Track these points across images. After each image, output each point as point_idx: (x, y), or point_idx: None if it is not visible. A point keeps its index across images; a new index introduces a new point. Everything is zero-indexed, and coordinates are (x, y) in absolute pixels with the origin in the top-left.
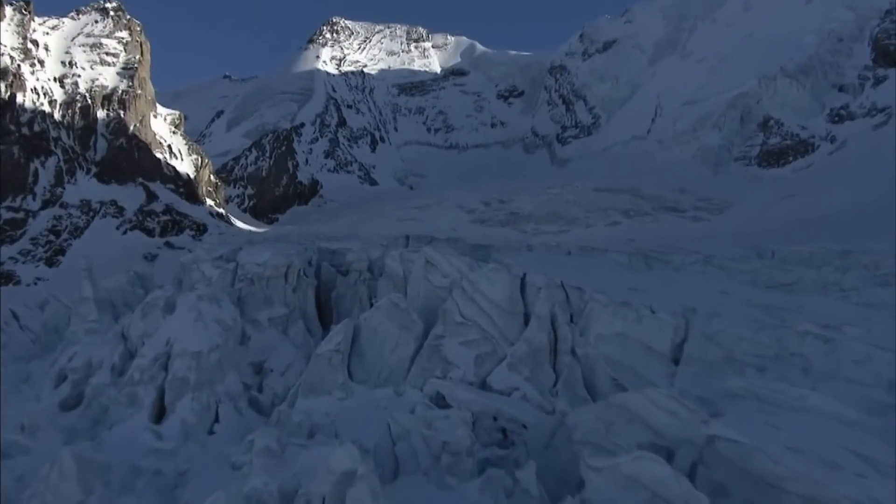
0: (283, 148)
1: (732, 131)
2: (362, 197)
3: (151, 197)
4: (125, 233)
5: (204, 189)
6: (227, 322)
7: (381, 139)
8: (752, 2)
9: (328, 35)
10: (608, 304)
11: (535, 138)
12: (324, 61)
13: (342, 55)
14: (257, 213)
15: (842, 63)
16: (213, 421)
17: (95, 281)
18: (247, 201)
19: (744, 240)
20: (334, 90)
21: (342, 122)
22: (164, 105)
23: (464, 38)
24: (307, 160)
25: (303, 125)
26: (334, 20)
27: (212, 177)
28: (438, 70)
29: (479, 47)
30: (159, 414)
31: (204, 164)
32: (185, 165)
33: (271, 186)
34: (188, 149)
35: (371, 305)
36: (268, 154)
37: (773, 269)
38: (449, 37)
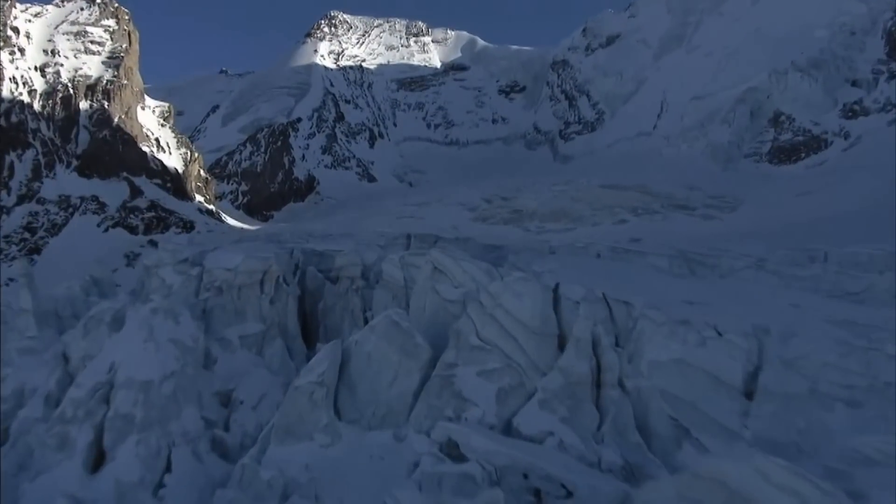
0: (279, 143)
1: (742, 127)
2: (360, 194)
3: (136, 192)
4: (106, 230)
5: (193, 184)
6: (185, 342)
7: (380, 135)
8: None
9: (326, 29)
10: (663, 322)
11: (538, 134)
12: (321, 56)
13: (340, 49)
14: (251, 210)
15: (854, 57)
16: (164, 471)
17: (35, 288)
18: (240, 198)
19: (761, 238)
20: (332, 85)
21: (340, 118)
22: (159, 100)
23: (464, 32)
24: (304, 156)
25: (299, 120)
26: (332, 14)
27: (202, 172)
28: (438, 65)
29: (480, 42)
30: (97, 460)
31: (193, 159)
32: (173, 160)
33: (266, 183)
34: (177, 142)
35: (366, 320)
36: (263, 149)
37: (837, 275)
38: (449, 31)
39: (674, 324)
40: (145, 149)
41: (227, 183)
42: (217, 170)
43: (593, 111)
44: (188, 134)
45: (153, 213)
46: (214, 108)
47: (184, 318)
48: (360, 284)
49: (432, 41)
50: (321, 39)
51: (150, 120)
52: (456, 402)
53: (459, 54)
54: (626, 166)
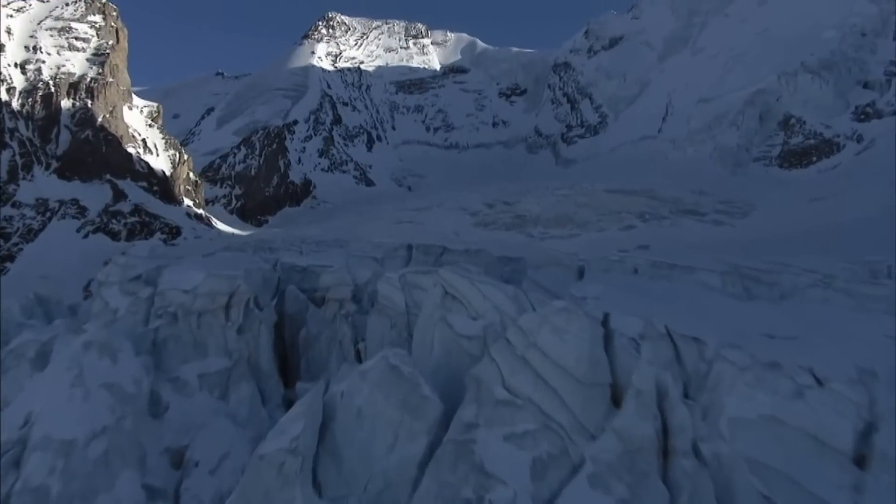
0: (275, 146)
1: (751, 130)
2: (358, 198)
3: (119, 196)
4: (86, 236)
5: (182, 188)
6: (124, 386)
7: (378, 138)
8: None
9: (324, 30)
10: (746, 366)
11: (539, 138)
12: (319, 57)
13: (338, 51)
14: (245, 214)
15: (866, 59)
16: None
17: None
18: (234, 202)
19: (774, 246)
20: (329, 87)
21: (337, 120)
22: (155, 102)
23: (464, 34)
24: (300, 159)
25: (296, 122)
26: (330, 15)
27: (191, 174)
28: (438, 67)
29: (480, 44)
30: None
31: (182, 161)
32: (160, 162)
33: (261, 186)
34: (165, 143)
35: (358, 354)
36: (257, 152)
37: None
38: (449, 33)
39: (760, 368)
40: (131, 150)
41: (221, 186)
42: (210, 173)
43: (596, 114)
44: (182, 137)
45: (137, 218)
46: (209, 111)
47: (124, 354)
48: (352, 309)
49: (432, 43)
50: (319, 41)
51: (137, 120)
52: (477, 477)
53: (459, 56)
54: (631, 170)
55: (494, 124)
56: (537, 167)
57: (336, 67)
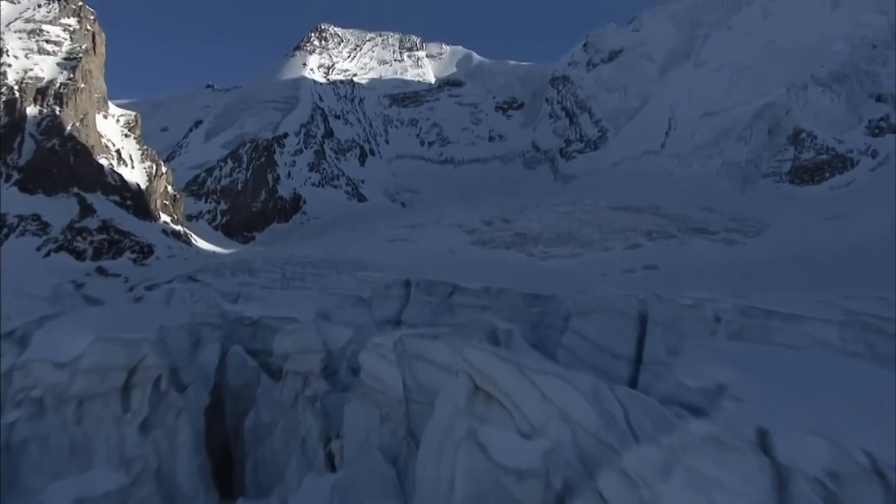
0: (263, 159)
1: (760, 145)
2: (349, 214)
3: (86, 210)
4: (48, 255)
5: (158, 202)
6: None
7: (371, 152)
8: (771, 8)
9: (316, 42)
10: None
11: (537, 153)
12: (311, 69)
13: (331, 63)
14: (231, 230)
15: (878, 71)
16: None
17: None
18: (219, 217)
19: (793, 268)
20: (321, 99)
21: (329, 133)
22: (143, 117)
23: (460, 47)
24: (289, 173)
25: (286, 135)
26: (323, 27)
27: (169, 188)
28: (433, 80)
29: (476, 57)
30: None
31: (160, 174)
32: (135, 174)
33: (247, 201)
34: (142, 155)
35: (329, 456)
36: (245, 165)
37: None
38: (444, 46)
39: None
40: (103, 161)
41: (205, 201)
42: (195, 187)
43: (596, 128)
44: (170, 150)
45: (105, 235)
46: (197, 123)
47: None
48: (321, 389)
49: (426, 56)
50: (311, 53)
51: (111, 129)
52: None
53: (455, 69)
54: (635, 186)
55: (491, 139)
56: (535, 183)
57: (328, 80)
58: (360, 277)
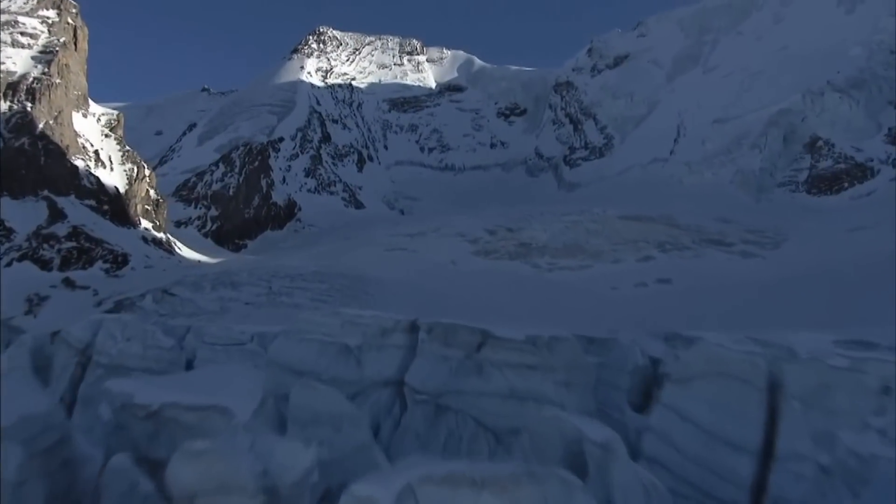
0: (257, 164)
1: (775, 153)
2: (346, 221)
3: (56, 215)
4: (10, 264)
5: (139, 207)
6: None
7: (370, 158)
8: (783, 13)
9: (314, 45)
10: None
11: (540, 160)
12: (308, 72)
13: (329, 66)
14: (221, 238)
15: None
16: None
17: None
18: (209, 224)
19: (824, 283)
20: (319, 103)
21: (326, 138)
22: (137, 120)
23: (461, 52)
24: (284, 178)
25: (281, 140)
26: (321, 30)
27: (151, 192)
28: (433, 85)
29: (478, 62)
30: None
31: (141, 177)
32: (114, 177)
33: (239, 207)
34: (122, 156)
35: None
36: (237, 170)
37: None
38: (445, 50)
39: None
40: (78, 162)
41: (195, 207)
42: (184, 192)
43: (601, 135)
44: (161, 155)
45: (74, 243)
46: (191, 127)
47: None
48: None
49: (427, 60)
50: (308, 56)
51: (90, 129)
52: None
53: (456, 74)
54: (643, 195)
55: (492, 145)
56: (539, 191)
57: (326, 83)
58: (348, 319)
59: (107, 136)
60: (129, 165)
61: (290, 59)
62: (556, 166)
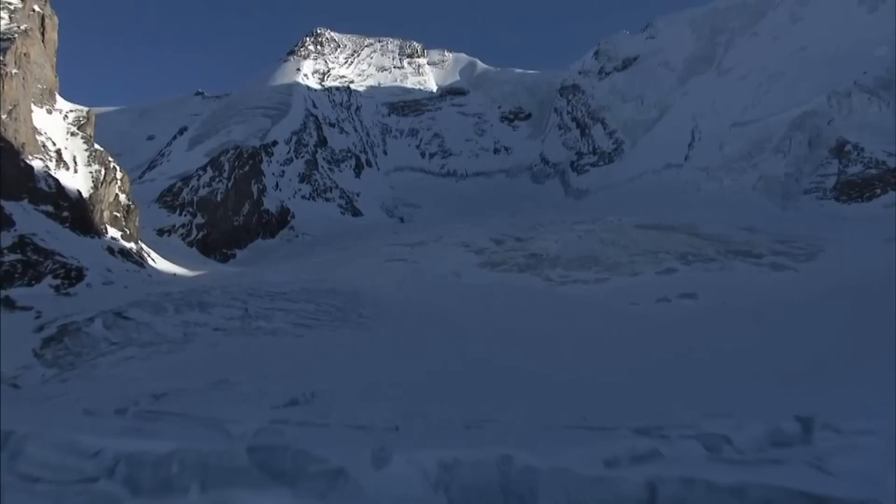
0: (247, 168)
1: (800, 157)
2: (343, 230)
3: (1, 223)
4: None
5: (106, 214)
6: None
7: (368, 163)
8: (801, 13)
9: (311, 47)
10: None
11: (546, 166)
12: (305, 74)
13: (326, 69)
14: (208, 247)
15: None
16: None
17: None
18: (195, 232)
19: (867, 298)
20: (315, 106)
21: (322, 142)
22: (129, 124)
23: (463, 54)
24: (277, 184)
25: (275, 143)
26: (319, 31)
27: (122, 196)
28: (434, 89)
29: (481, 65)
30: None
31: (110, 180)
32: (77, 180)
33: (228, 215)
34: (89, 157)
35: None
36: (226, 175)
37: None
38: (447, 53)
39: None
40: (35, 163)
41: (179, 214)
42: (168, 198)
43: (610, 140)
44: (150, 159)
45: (19, 255)
46: (182, 131)
47: None
48: None
49: (428, 63)
50: (305, 58)
51: (54, 126)
52: None
53: (458, 77)
54: (658, 202)
55: (496, 151)
56: (545, 198)
57: (323, 86)
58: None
59: (73, 134)
60: (95, 167)
61: (285, 61)
62: (563, 172)
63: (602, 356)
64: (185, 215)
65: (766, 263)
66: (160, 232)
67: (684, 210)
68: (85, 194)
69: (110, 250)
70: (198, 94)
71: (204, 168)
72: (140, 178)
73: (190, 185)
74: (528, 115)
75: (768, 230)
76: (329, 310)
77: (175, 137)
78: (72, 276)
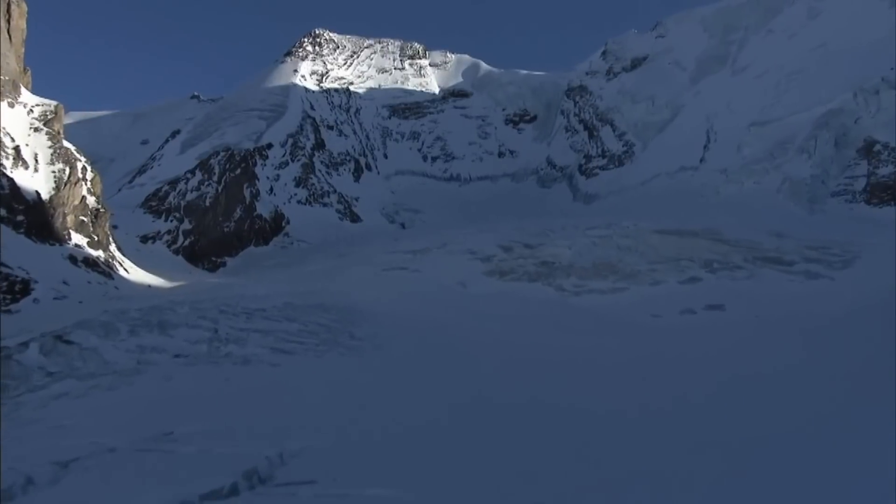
0: (239, 171)
1: (826, 158)
2: (341, 236)
3: None
4: None
5: (70, 219)
6: None
7: (367, 167)
8: (819, 8)
9: (309, 47)
10: None
11: (552, 170)
12: (302, 76)
13: (325, 70)
14: (195, 255)
15: None
16: None
17: None
18: (181, 239)
19: None
20: (312, 108)
21: (320, 145)
22: (123, 129)
23: (466, 56)
24: (272, 188)
25: (270, 146)
26: (317, 32)
27: (90, 199)
28: (437, 90)
29: (484, 66)
30: None
31: (75, 180)
32: (37, 180)
33: (218, 220)
34: (53, 154)
35: None
36: (216, 178)
37: None
38: (449, 54)
39: None
40: None
41: (165, 219)
42: (154, 202)
43: (620, 142)
44: (140, 164)
45: None
46: (174, 134)
47: None
48: None
49: (430, 64)
50: (303, 59)
51: (16, 121)
52: None
53: (460, 79)
54: (673, 206)
55: (500, 154)
56: (552, 203)
57: (321, 87)
58: None
59: (37, 130)
60: (59, 165)
61: (282, 62)
62: (571, 176)
63: (638, 381)
64: (172, 221)
65: (798, 271)
66: (144, 239)
67: (703, 214)
68: (45, 196)
69: (72, 259)
70: (193, 97)
71: (192, 171)
72: (130, 182)
73: (177, 189)
74: (534, 118)
75: (797, 235)
76: (315, 330)
77: (167, 141)
78: (15, 289)
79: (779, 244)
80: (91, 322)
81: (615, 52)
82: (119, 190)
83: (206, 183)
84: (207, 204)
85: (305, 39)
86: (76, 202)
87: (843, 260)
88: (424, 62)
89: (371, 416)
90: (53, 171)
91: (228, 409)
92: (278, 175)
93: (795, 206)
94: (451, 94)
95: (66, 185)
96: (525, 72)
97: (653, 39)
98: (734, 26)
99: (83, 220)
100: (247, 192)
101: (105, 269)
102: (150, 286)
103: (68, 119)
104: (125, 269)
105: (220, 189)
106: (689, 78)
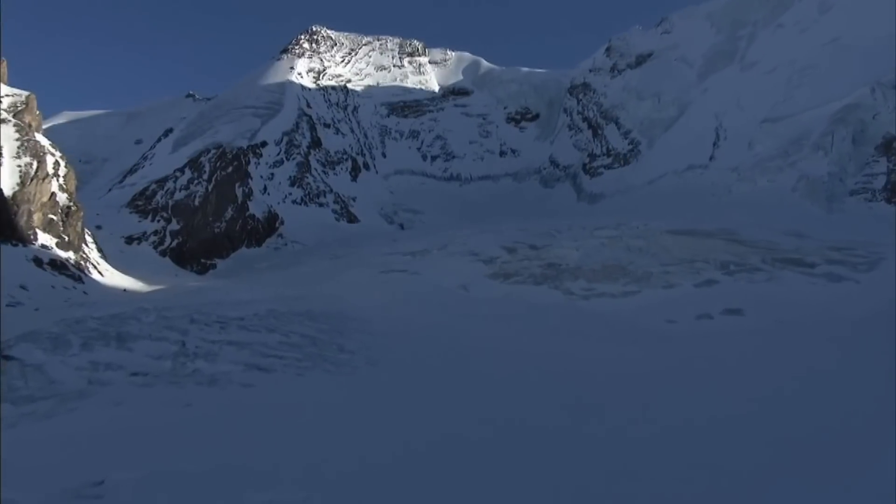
0: (230, 169)
1: (843, 155)
2: (337, 237)
3: None
4: None
5: (37, 217)
6: None
7: (365, 166)
8: (830, 2)
9: (306, 45)
10: None
11: (555, 169)
12: (299, 73)
13: (322, 67)
14: (184, 256)
15: None
16: None
17: None
18: (169, 240)
19: None
20: (309, 106)
21: (316, 143)
22: (117, 128)
23: (466, 53)
24: (265, 187)
25: (264, 144)
26: (314, 29)
27: (61, 196)
28: (436, 88)
29: (485, 63)
30: None
31: (43, 176)
32: (2, 175)
33: (208, 220)
34: (20, 147)
35: None
36: (206, 177)
37: None
38: (449, 52)
39: None
40: None
41: (152, 220)
42: (140, 202)
43: (625, 141)
44: (132, 164)
45: None
46: (167, 132)
47: None
48: None
49: (429, 62)
50: (299, 56)
51: None
52: None
53: (461, 77)
54: (682, 206)
55: (502, 153)
56: (556, 203)
57: (318, 85)
58: None
59: (3, 121)
60: (26, 159)
61: (278, 59)
62: (575, 175)
63: (665, 397)
64: (159, 221)
65: (820, 273)
66: (129, 240)
67: (715, 214)
68: (7, 192)
69: (37, 261)
70: (189, 96)
71: (182, 169)
72: (120, 182)
73: (165, 188)
74: (536, 116)
75: (817, 235)
76: (299, 342)
77: (160, 140)
78: None
79: (799, 245)
80: (39, 334)
81: (619, 48)
82: (109, 190)
83: (196, 181)
84: (196, 203)
85: (302, 37)
86: (44, 199)
87: (868, 261)
88: (424, 59)
89: (353, 453)
90: (19, 166)
91: (181, 446)
92: (272, 174)
93: (812, 205)
94: (452, 92)
95: (32, 180)
96: (527, 69)
97: (658, 35)
98: (742, 21)
99: (52, 219)
100: (239, 192)
101: (74, 272)
102: (125, 290)
103: (62, 119)
104: (99, 272)
105: (210, 188)
106: (697, 74)
